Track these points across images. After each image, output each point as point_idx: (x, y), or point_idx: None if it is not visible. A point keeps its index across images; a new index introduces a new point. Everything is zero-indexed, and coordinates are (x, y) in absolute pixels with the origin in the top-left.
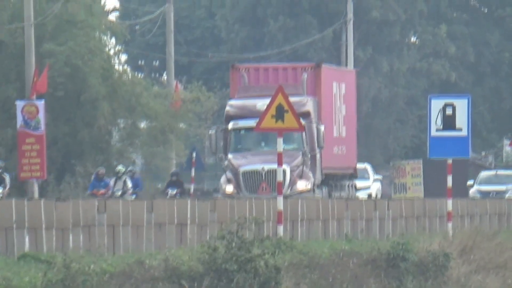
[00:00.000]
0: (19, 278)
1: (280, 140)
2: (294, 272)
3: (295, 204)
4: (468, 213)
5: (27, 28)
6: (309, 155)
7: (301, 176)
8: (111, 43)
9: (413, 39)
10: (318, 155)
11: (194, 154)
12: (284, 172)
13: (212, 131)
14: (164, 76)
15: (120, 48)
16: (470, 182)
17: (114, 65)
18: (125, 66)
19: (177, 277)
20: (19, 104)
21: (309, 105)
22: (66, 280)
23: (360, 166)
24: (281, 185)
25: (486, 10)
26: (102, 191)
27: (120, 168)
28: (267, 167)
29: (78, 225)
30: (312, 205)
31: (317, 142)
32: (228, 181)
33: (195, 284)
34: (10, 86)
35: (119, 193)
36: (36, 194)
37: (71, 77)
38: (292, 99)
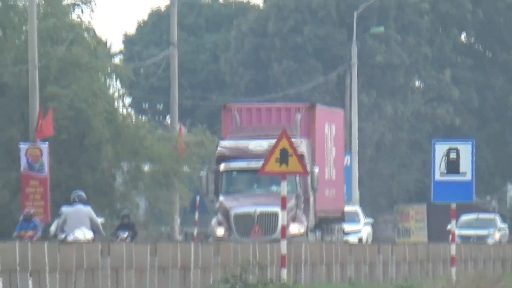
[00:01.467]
0: None
1: (284, 184)
2: None
3: (299, 247)
4: (472, 257)
5: (31, 70)
6: (303, 198)
7: (294, 220)
8: (116, 86)
9: (417, 83)
10: (312, 198)
11: (198, 198)
12: (276, 215)
13: (203, 173)
14: (168, 119)
15: (124, 91)
16: (450, 226)
17: (118, 108)
18: (129, 109)
19: None
20: (23, 146)
21: (303, 147)
22: None
23: (351, 209)
24: (285, 228)
25: (490, 55)
26: (30, 233)
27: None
28: (259, 209)
29: (82, 268)
30: (315, 249)
31: (311, 185)
32: (219, 223)
33: None
34: (14, 128)
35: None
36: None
37: (75, 120)
38: None
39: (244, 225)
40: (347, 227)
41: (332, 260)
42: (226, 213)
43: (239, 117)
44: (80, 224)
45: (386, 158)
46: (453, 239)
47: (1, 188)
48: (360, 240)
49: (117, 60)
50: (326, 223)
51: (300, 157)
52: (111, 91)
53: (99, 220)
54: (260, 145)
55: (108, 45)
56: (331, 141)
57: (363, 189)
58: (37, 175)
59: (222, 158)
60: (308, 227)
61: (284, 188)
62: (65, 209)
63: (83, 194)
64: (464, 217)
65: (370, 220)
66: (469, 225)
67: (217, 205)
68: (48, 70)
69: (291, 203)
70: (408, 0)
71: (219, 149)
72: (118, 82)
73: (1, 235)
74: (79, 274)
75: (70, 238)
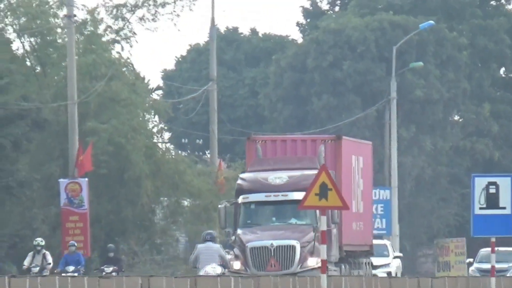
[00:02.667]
0: None
1: (323, 219)
2: None
3: (339, 281)
4: None
5: (70, 106)
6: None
7: (312, 253)
8: (155, 121)
9: (456, 117)
10: (334, 231)
11: None
12: (293, 248)
13: (221, 206)
14: (208, 154)
15: (163, 126)
16: (469, 260)
17: (158, 143)
18: (169, 144)
19: None
20: (63, 182)
21: None
22: None
23: (379, 242)
24: (325, 263)
25: None
26: None
27: (39, 241)
28: (276, 243)
29: None
30: (355, 283)
31: (332, 218)
32: (236, 257)
33: None
34: (53, 163)
35: (37, 269)
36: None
37: (115, 155)
38: (306, 172)
39: (260, 259)
40: (375, 260)
41: None
42: (242, 247)
43: (261, 149)
44: (211, 260)
45: (425, 192)
46: (492, 273)
47: (40, 223)
48: (389, 274)
49: (155, 95)
50: (353, 257)
51: None
52: (150, 126)
53: (228, 257)
54: (279, 177)
55: (146, 80)
56: (359, 174)
57: (403, 223)
58: (77, 211)
59: (241, 191)
60: (328, 260)
61: (323, 222)
62: (198, 246)
63: (213, 233)
64: (483, 251)
65: (399, 254)
66: (488, 259)
67: (233, 238)
68: (87, 106)
69: (309, 236)
70: (446, 35)
71: (239, 181)
72: (156, 117)
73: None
74: None
75: (202, 272)
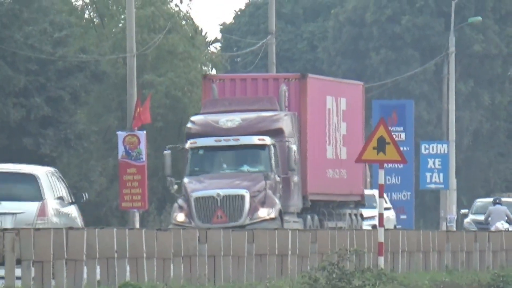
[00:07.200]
0: None
1: (381, 172)
2: None
3: (396, 235)
4: None
5: (129, 58)
6: (279, 178)
7: (263, 203)
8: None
9: None
10: (295, 178)
11: None
12: (242, 198)
13: (167, 152)
14: None
15: None
16: (464, 211)
17: None
18: None
19: None
20: (121, 134)
21: (282, 122)
22: None
23: (368, 192)
24: (382, 216)
25: None
26: None
27: None
28: (223, 192)
29: (179, 255)
30: (412, 237)
31: (288, 164)
32: (180, 208)
33: None
34: (111, 115)
35: None
36: (137, 224)
37: (171, 108)
38: (262, 114)
39: (205, 210)
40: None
41: (429, 248)
42: (187, 197)
43: (219, 89)
44: (500, 219)
45: (483, 147)
46: None
47: (98, 175)
48: (374, 227)
49: (213, 48)
50: (329, 208)
51: (278, 133)
52: None
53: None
54: (231, 120)
55: (204, 33)
56: (339, 117)
57: (460, 178)
58: (134, 163)
59: (189, 135)
60: (281, 210)
61: (381, 176)
62: (490, 207)
63: (500, 198)
64: (479, 201)
65: (389, 205)
66: (485, 210)
67: (175, 187)
68: (145, 58)
69: (260, 184)
70: None
71: (188, 124)
72: (214, 70)
73: (98, 222)
74: (176, 261)
75: (492, 228)
